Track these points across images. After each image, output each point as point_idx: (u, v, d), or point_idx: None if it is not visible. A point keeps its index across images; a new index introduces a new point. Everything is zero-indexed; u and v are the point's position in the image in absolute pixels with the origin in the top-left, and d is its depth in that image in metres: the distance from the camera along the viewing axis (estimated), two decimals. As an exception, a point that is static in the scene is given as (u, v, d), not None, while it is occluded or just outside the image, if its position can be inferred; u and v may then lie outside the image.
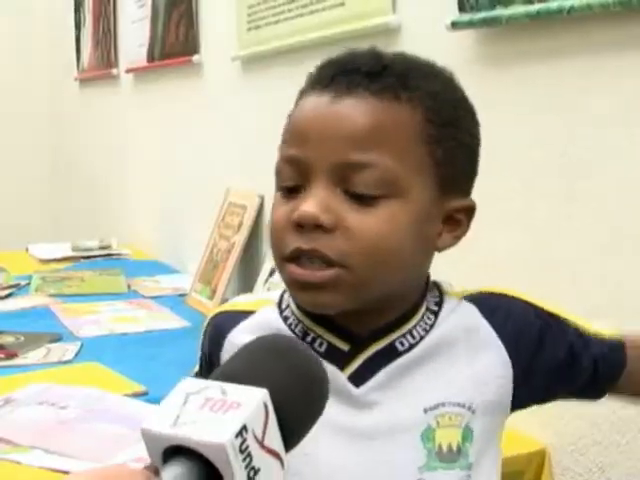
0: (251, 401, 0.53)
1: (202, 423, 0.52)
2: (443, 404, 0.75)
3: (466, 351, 0.77)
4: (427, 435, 0.74)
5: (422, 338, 0.76)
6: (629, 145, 1.12)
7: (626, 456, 1.17)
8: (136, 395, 1.53)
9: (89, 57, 3.75)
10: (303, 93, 0.76)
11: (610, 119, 1.15)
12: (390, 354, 0.75)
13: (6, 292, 2.43)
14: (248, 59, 2.25)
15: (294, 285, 0.74)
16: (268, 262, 2.01)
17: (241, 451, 0.52)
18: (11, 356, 1.78)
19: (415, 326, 0.76)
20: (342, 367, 0.75)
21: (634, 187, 1.13)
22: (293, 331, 0.77)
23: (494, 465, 0.80)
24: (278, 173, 0.75)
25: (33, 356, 1.79)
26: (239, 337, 0.79)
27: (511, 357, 0.78)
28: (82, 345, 1.87)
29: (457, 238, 0.77)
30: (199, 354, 0.86)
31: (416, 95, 0.72)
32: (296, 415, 0.57)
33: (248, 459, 0.52)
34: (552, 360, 0.80)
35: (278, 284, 1.81)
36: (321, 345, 0.76)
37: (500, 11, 1.26)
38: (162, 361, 1.76)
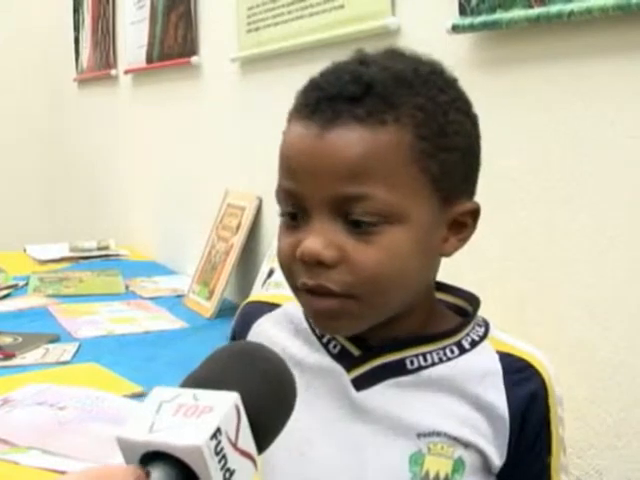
0: (223, 404, 0.54)
1: (177, 428, 0.53)
2: (438, 434, 0.74)
3: (467, 402, 0.76)
4: (415, 459, 0.74)
5: (434, 365, 0.76)
6: (629, 148, 1.13)
7: (623, 459, 1.17)
8: (134, 396, 1.53)
9: (88, 58, 3.75)
10: (291, 117, 0.75)
11: (610, 123, 1.15)
12: (398, 369, 0.76)
13: (4, 292, 2.43)
14: (247, 61, 2.25)
15: (308, 311, 0.76)
16: (266, 263, 2.01)
17: (216, 453, 0.53)
18: (9, 356, 1.79)
19: (431, 352, 0.76)
20: (349, 370, 0.76)
21: (633, 190, 1.13)
22: (313, 330, 0.80)
23: None
24: (278, 200, 0.75)
25: (31, 356, 1.79)
26: (262, 326, 0.83)
27: (510, 443, 0.76)
28: (80, 346, 1.88)
29: (464, 240, 0.77)
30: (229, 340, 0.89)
31: (403, 113, 0.70)
32: (267, 417, 0.58)
33: (223, 461, 0.53)
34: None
35: (278, 284, 1.82)
36: (335, 347, 0.78)
37: (500, 15, 1.26)
38: (160, 362, 1.77)
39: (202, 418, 0.53)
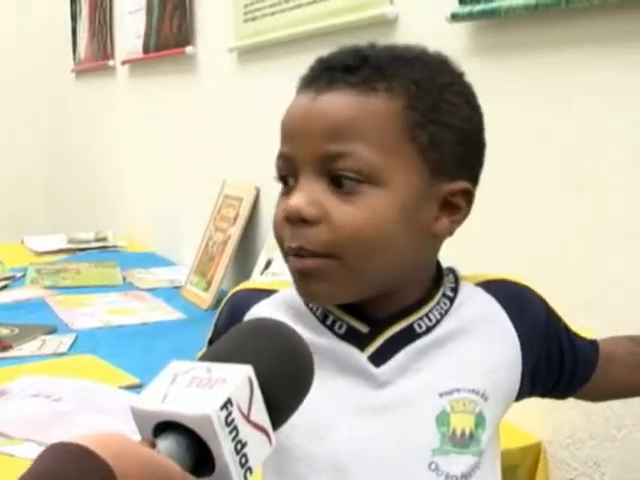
0: (236, 377, 0.55)
1: (189, 399, 0.54)
2: (458, 390, 0.77)
3: (482, 338, 0.79)
4: (442, 419, 0.76)
5: (438, 322, 0.78)
6: (629, 137, 1.12)
7: (621, 450, 1.17)
8: (131, 387, 1.53)
9: (85, 48, 3.73)
10: (296, 92, 0.79)
11: (608, 111, 1.14)
12: (409, 335, 0.77)
13: (1, 284, 2.42)
14: (244, 50, 2.24)
15: (294, 275, 0.76)
16: (264, 254, 2.01)
17: (227, 424, 0.53)
18: (6, 348, 1.78)
19: (432, 310, 0.79)
20: (362, 348, 0.77)
21: (634, 178, 1.12)
22: (314, 313, 0.80)
23: (497, 453, 0.82)
24: (276, 170, 0.78)
25: (28, 348, 1.79)
26: (262, 312, 0.82)
27: (523, 348, 0.80)
28: (77, 337, 1.87)
29: (456, 223, 0.78)
30: (210, 334, 0.87)
31: (395, 84, 0.74)
32: (282, 393, 0.59)
33: (234, 432, 0.54)
34: (548, 355, 0.83)
35: (275, 275, 1.81)
36: (341, 327, 0.78)
37: (499, 3, 1.25)
38: (157, 353, 1.76)
39: (214, 389, 0.54)
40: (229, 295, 0.87)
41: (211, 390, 0.54)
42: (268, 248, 1.99)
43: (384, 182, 0.72)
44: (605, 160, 1.16)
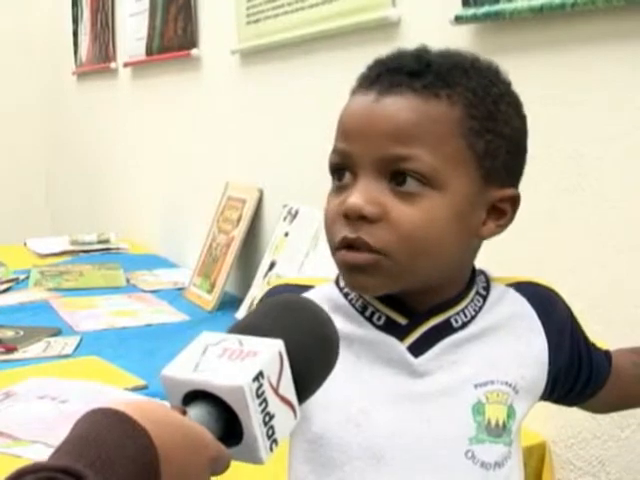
0: (267, 350, 0.57)
1: (221, 369, 0.55)
2: (492, 382, 0.79)
3: (513, 334, 0.82)
4: (477, 409, 0.78)
5: (473, 318, 0.81)
6: (631, 138, 1.12)
7: (626, 450, 1.17)
8: (136, 389, 1.53)
9: (87, 51, 3.74)
10: (353, 92, 0.81)
11: (612, 111, 1.15)
12: (446, 329, 0.80)
13: (5, 286, 2.43)
14: (247, 53, 2.25)
15: (342, 268, 0.78)
16: (267, 256, 2.01)
17: (257, 395, 0.55)
18: (11, 350, 1.79)
19: (467, 306, 0.81)
20: (401, 339, 0.79)
21: (635, 180, 1.13)
22: (353, 306, 0.81)
23: (520, 446, 0.84)
24: (330, 166, 0.80)
25: (33, 350, 1.80)
26: None
27: (550, 347, 0.83)
28: (81, 339, 1.88)
29: (501, 227, 0.81)
30: None
31: (456, 91, 0.76)
32: (309, 368, 0.61)
33: (264, 404, 0.55)
34: (569, 361, 0.86)
35: (280, 277, 1.81)
36: (379, 319, 0.80)
37: (504, 5, 1.25)
38: (161, 355, 1.75)
39: (246, 361, 0.55)
40: (267, 291, 0.88)
41: (243, 362, 0.55)
42: (271, 250, 1.99)
43: (443, 186, 0.74)
44: (607, 160, 1.16)
